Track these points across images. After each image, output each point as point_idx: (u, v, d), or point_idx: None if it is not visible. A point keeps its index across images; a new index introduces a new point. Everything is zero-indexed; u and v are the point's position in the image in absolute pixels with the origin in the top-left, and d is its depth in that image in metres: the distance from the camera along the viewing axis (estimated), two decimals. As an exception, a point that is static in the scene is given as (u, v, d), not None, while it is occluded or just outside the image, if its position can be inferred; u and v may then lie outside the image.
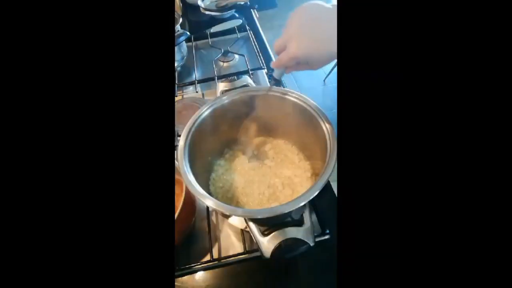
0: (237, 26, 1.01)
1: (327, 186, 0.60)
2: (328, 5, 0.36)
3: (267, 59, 0.90)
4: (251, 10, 1.10)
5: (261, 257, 0.40)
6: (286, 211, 0.38)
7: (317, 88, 1.89)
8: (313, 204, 0.56)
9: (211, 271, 0.52)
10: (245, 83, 0.63)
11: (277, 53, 0.39)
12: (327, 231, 0.53)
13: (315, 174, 0.55)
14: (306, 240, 0.41)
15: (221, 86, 0.63)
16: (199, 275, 0.52)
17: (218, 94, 0.62)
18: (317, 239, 0.52)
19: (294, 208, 0.38)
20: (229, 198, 0.55)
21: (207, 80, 0.84)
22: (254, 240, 0.41)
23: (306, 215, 0.42)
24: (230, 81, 0.63)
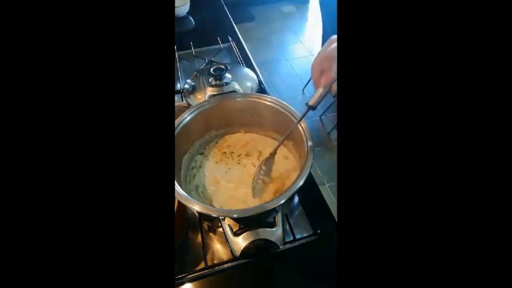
0: (219, 37, 1.03)
1: (314, 188, 0.62)
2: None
3: (250, 68, 0.93)
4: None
5: (233, 255, 0.42)
6: (255, 213, 0.40)
7: (296, 98, 2.08)
8: (302, 205, 0.59)
9: (204, 280, 0.51)
10: (232, 89, 0.65)
11: (317, 76, 0.46)
12: (318, 231, 0.55)
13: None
14: (276, 242, 0.43)
15: (209, 91, 0.65)
16: (192, 285, 0.52)
17: (206, 98, 0.64)
18: (308, 239, 0.54)
19: (259, 212, 0.40)
20: (204, 196, 0.57)
21: (192, 89, 0.85)
22: (226, 239, 0.43)
23: (279, 218, 0.44)
24: (218, 86, 0.65)
